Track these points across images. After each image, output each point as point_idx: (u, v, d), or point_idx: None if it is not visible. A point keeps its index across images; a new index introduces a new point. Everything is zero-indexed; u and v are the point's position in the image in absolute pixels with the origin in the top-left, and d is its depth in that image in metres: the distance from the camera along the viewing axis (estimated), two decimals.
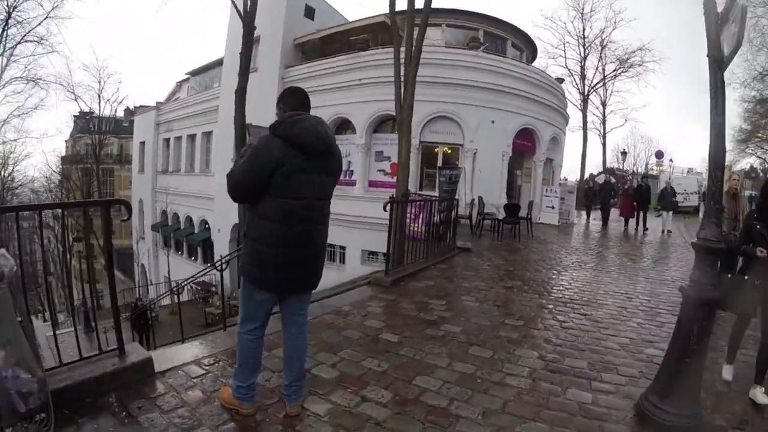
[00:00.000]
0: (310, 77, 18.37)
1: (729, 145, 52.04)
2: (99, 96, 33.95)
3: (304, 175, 2.90)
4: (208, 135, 25.48)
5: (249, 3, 15.66)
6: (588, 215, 20.62)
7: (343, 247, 17.11)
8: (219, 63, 24.88)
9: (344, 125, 18.05)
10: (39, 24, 24.32)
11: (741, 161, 51.68)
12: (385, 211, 6.92)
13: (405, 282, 7.36)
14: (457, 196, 12.00)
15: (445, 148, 16.70)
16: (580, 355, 4.49)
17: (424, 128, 16.04)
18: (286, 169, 2.83)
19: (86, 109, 34.27)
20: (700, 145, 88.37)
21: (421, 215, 9.59)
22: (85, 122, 39.42)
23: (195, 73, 28.92)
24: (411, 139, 10.53)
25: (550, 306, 6.28)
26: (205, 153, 25.93)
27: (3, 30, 23.25)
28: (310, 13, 20.45)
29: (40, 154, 78.82)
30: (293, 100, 3.09)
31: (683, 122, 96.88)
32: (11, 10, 23.17)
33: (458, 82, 15.72)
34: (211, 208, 23.57)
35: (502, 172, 16.80)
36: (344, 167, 17.20)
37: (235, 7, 16.13)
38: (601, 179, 21.64)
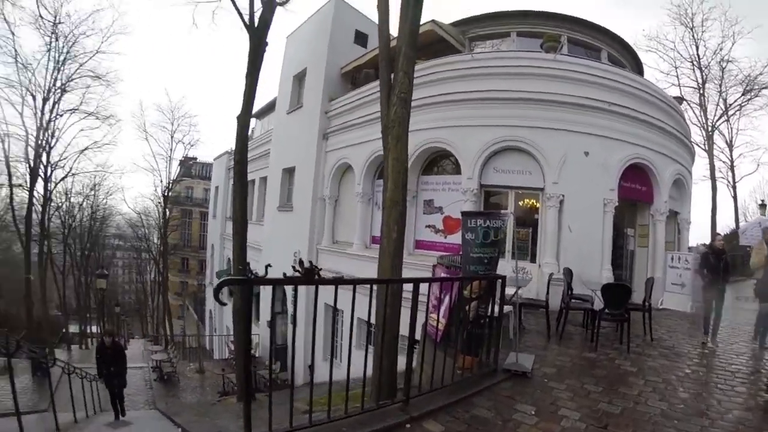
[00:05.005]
0: (354, 108, 14.35)
1: None
2: (171, 137, 34.51)
3: None
4: (263, 180, 22.17)
5: (260, 12, 12.31)
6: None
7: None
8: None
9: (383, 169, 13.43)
10: (89, 59, 24.87)
11: None
12: (217, 300, 3.24)
13: None
14: (517, 268, 6.53)
15: (524, 199, 11.18)
16: None
17: (486, 165, 10.83)
18: None
19: (157, 149, 36.22)
20: None
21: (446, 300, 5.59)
22: (187, 167, 44.46)
23: (258, 115, 25.68)
24: (406, 158, 5.88)
25: None
26: (263, 200, 22.41)
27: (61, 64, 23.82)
28: (361, 39, 16.49)
29: (130, 189, 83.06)
30: None
31: None
32: (71, 44, 23.78)
33: (531, 96, 10.40)
34: (259, 260, 19.89)
35: (604, 230, 10.78)
36: None
37: (242, 17, 12.74)
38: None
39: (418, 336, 5.42)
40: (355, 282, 3.73)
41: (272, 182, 19.63)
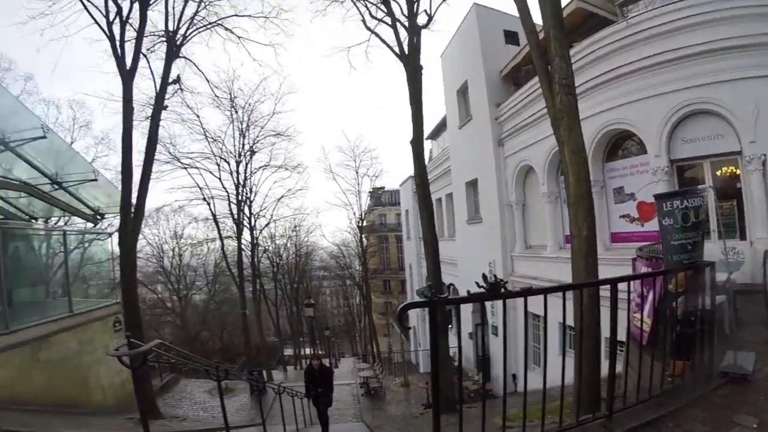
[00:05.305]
0: (522, 108, 14.15)
1: None
2: (356, 173, 37.12)
3: None
4: (449, 197, 22.81)
5: (407, 40, 13.06)
6: None
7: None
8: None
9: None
10: (268, 121, 29.17)
11: None
12: (404, 325, 3.01)
13: None
14: (726, 249, 5.64)
15: (722, 167, 9.56)
16: None
17: (672, 138, 9.63)
18: None
19: (345, 186, 38.92)
20: None
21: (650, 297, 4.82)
22: (376, 197, 49.29)
23: (432, 135, 26.50)
24: (583, 148, 5.70)
25: None
26: (451, 216, 22.94)
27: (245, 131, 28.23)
28: (512, 38, 16.22)
29: (327, 225, 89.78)
30: None
31: None
32: (249, 113, 28.18)
33: (700, 48, 8.93)
34: (456, 275, 20.34)
35: None
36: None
37: (392, 50, 14.01)
38: None
39: (623, 338, 5.04)
40: (545, 291, 3.46)
41: (457, 197, 20.26)
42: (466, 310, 18.06)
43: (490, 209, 16.45)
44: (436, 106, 79.74)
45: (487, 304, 15.83)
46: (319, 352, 31.77)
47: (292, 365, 35.98)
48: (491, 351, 16.74)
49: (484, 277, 3.28)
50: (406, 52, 13.72)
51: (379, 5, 14.80)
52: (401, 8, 14.12)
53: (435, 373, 3.45)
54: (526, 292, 3.45)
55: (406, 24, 13.95)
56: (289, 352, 42.34)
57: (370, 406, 16.29)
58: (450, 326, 21.73)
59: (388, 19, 14.41)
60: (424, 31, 14.19)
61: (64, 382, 9.40)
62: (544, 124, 12.10)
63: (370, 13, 15.13)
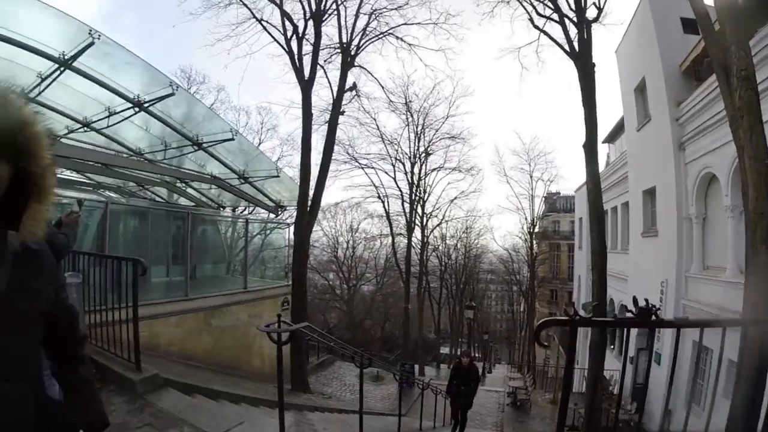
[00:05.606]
0: (705, 107, 12.38)
1: None
2: (530, 176, 36.47)
3: None
4: (625, 206, 20.75)
5: (577, 36, 12.75)
6: None
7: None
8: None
9: None
10: (442, 124, 30.59)
11: None
12: (537, 342, 3.09)
13: None
14: None
15: None
16: None
17: None
18: None
19: (518, 189, 37.48)
20: None
21: None
22: (550, 203, 46.92)
23: (609, 138, 24.49)
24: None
25: None
26: (626, 227, 20.93)
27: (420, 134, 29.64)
28: (690, 27, 14.11)
29: (498, 229, 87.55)
30: None
31: None
32: (424, 117, 29.66)
33: None
34: (625, 291, 18.62)
35: None
36: None
37: (561, 47, 13.54)
38: None
39: None
40: (702, 324, 3.04)
41: (633, 207, 18.58)
42: (631, 331, 16.38)
43: (667, 222, 14.70)
44: (614, 107, 73.24)
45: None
46: (476, 355, 31.60)
47: (446, 364, 36.16)
48: (651, 380, 15.09)
49: (635, 300, 3.00)
50: (577, 49, 12.99)
51: (545, 2, 14.25)
52: (568, 3, 13.46)
53: (565, 396, 3.20)
54: (680, 323, 3.17)
55: (575, 19, 13.23)
56: (445, 350, 42.94)
57: (513, 418, 15.85)
58: (612, 347, 19.93)
59: (555, 16, 13.83)
60: (594, 26, 13.27)
61: (229, 346, 10.81)
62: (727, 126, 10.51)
63: (537, 11, 14.62)
